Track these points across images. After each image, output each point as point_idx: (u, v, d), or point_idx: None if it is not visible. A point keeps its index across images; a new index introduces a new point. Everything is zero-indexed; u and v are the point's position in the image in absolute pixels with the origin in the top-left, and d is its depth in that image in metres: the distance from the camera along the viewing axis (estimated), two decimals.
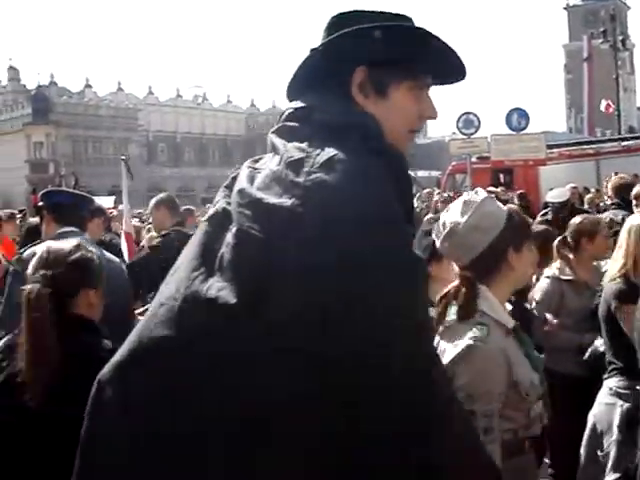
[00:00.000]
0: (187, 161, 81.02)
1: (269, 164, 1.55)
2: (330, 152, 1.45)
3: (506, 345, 2.39)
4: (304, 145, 1.50)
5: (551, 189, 9.91)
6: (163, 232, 6.58)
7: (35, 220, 6.07)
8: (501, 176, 17.42)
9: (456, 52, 1.65)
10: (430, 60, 1.64)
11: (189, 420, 1.38)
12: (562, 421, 3.17)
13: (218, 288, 1.39)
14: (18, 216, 9.66)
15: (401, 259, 1.40)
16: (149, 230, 9.16)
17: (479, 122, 17.09)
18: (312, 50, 1.64)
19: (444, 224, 2.48)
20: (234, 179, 1.63)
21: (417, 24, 1.66)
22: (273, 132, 1.64)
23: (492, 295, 2.43)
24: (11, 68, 76.77)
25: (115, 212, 12.74)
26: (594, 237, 4.81)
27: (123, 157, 11.36)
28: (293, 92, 1.73)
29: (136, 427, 1.44)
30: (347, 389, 1.31)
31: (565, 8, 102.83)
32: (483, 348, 2.32)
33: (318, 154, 1.45)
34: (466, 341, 2.33)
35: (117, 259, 4.78)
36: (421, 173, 39.51)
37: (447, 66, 1.69)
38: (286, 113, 1.67)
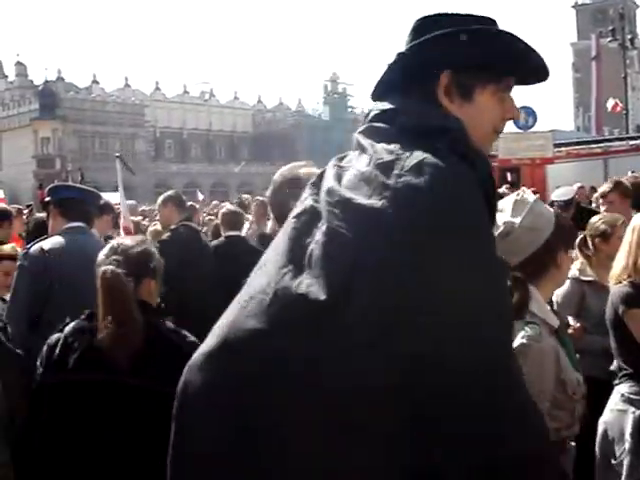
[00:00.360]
0: (194, 157, 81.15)
1: (356, 163, 1.58)
2: (419, 156, 1.47)
3: (555, 344, 2.40)
4: (392, 147, 1.53)
5: (558, 187, 9.88)
6: (172, 227, 6.62)
7: (42, 215, 6.08)
8: (508, 174, 17.36)
9: (539, 53, 1.68)
10: (513, 61, 1.67)
11: (275, 409, 1.43)
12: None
13: (308, 284, 1.43)
14: (25, 211, 9.67)
15: (487, 261, 1.44)
16: (154, 226, 9.23)
17: None
18: (399, 54, 1.67)
19: (496, 224, 2.46)
20: (321, 177, 1.67)
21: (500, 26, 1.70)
22: (360, 132, 1.67)
23: (539, 295, 2.44)
24: (18, 63, 76.95)
25: (121, 208, 12.78)
26: (609, 237, 4.71)
27: (118, 154, 11.60)
28: (378, 94, 1.76)
29: (224, 415, 1.49)
30: (428, 385, 1.35)
31: (573, 6, 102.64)
32: (537, 347, 2.34)
33: (407, 157, 1.48)
34: (520, 340, 2.34)
35: None
36: None
37: (530, 67, 1.72)
38: (372, 114, 1.70)
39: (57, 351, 2.63)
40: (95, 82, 77.67)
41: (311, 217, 1.56)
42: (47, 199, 4.98)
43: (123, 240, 2.88)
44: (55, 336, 2.72)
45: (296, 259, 1.49)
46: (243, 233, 11.08)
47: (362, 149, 1.61)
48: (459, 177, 1.46)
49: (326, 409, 1.38)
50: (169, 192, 7.52)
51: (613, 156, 17.64)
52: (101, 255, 2.77)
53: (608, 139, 22.78)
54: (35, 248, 4.47)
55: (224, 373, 1.50)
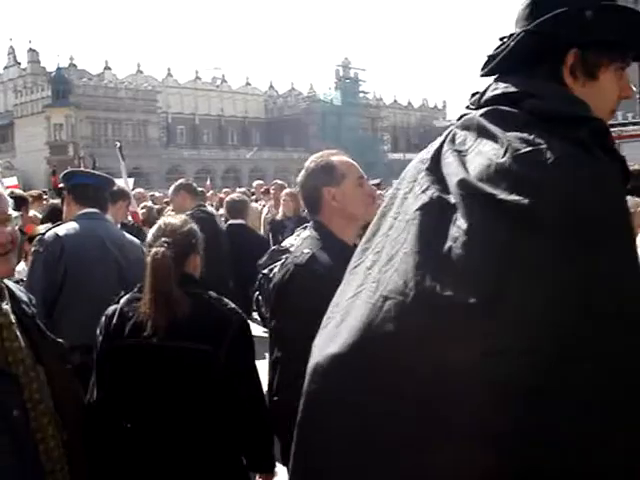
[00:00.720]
0: (206, 143, 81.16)
1: (482, 150, 1.49)
2: (561, 148, 1.39)
3: None
4: (526, 136, 1.43)
5: None
6: (188, 212, 6.66)
7: (57, 201, 6.11)
8: None
9: None
10: (638, 38, 1.60)
11: (405, 419, 1.38)
12: None
13: (452, 286, 1.35)
14: (45, 197, 9.66)
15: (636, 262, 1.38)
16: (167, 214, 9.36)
17: None
18: (523, 31, 1.60)
19: None
20: (435, 161, 1.57)
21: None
22: (482, 115, 1.56)
23: None
24: (31, 50, 77.05)
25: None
26: None
27: (117, 143, 11.87)
28: (493, 70, 1.67)
29: (352, 422, 1.44)
30: (587, 387, 1.30)
31: None
32: None
33: (547, 149, 1.39)
34: None
35: (138, 241, 4.80)
36: None
37: None
38: (491, 94, 1.61)
39: (114, 320, 2.98)
40: (107, 68, 77.75)
41: (440, 210, 1.46)
42: (61, 185, 4.99)
43: (170, 220, 3.18)
44: (112, 307, 3.05)
45: (432, 257, 1.40)
46: (262, 218, 11.12)
47: (486, 134, 1.51)
48: (605, 173, 1.40)
49: (467, 414, 1.32)
50: (181, 180, 7.61)
51: (627, 141, 17.51)
52: (150, 235, 3.12)
53: (622, 123, 22.62)
54: (50, 234, 4.47)
55: (358, 377, 1.44)
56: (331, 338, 1.52)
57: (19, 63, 78.73)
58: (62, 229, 4.50)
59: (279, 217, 9.24)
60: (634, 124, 20.75)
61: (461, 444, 1.31)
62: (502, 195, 1.36)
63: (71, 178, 4.90)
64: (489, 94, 1.61)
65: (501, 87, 1.60)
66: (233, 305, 3.03)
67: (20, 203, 6.84)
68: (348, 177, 2.97)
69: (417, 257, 1.42)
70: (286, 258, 2.99)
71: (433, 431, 1.34)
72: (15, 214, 2.34)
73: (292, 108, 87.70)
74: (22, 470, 2.11)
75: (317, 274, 2.69)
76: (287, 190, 9.51)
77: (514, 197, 1.35)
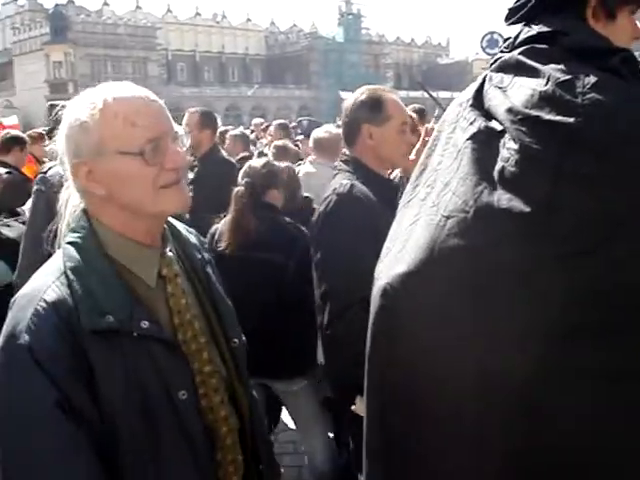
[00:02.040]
0: (207, 80, 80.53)
1: (524, 83, 1.60)
2: (597, 74, 1.51)
3: None
4: (564, 67, 1.55)
5: None
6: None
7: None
8: None
9: None
10: None
11: (482, 317, 1.50)
12: None
13: (508, 199, 1.47)
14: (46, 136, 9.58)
15: None
16: None
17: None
18: None
19: None
20: (476, 99, 1.69)
21: None
22: (520, 53, 1.68)
23: None
24: None
25: None
26: None
27: None
28: (519, 17, 1.78)
29: (421, 336, 1.57)
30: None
31: None
32: None
33: (586, 76, 1.51)
34: None
35: None
36: (443, 94, 38.99)
37: None
38: (525, 36, 1.72)
39: (216, 237, 3.83)
40: (106, 5, 76.78)
41: (488, 137, 1.58)
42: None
43: (253, 163, 4.02)
44: (214, 227, 3.90)
45: (487, 178, 1.53)
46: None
47: (525, 70, 1.63)
48: None
49: (538, 314, 1.44)
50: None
51: None
52: (240, 175, 3.97)
53: None
54: (53, 172, 4.44)
55: (432, 289, 1.57)
56: (396, 261, 1.64)
57: (16, 0, 77.60)
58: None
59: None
60: None
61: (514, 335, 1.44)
62: (548, 116, 1.48)
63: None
64: (523, 36, 1.72)
65: (535, 29, 1.71)
66: (303, 228, 3.68)
67: (13, 143, 6.78)
68: (392, 120, 2.96)
69: (473, 178, 1.55)
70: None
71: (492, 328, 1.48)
72: (181, 131, 1.90)
73: (294, 45, 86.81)
74: (191, 462, 1.64)
75: (360, 200, 2.72)
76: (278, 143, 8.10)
77: (560, 117, 1.47)
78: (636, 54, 1.64)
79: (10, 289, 4.51)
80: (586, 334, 1.42)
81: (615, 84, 1.50)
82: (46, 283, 1.54)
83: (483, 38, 16.99)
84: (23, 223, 4.84)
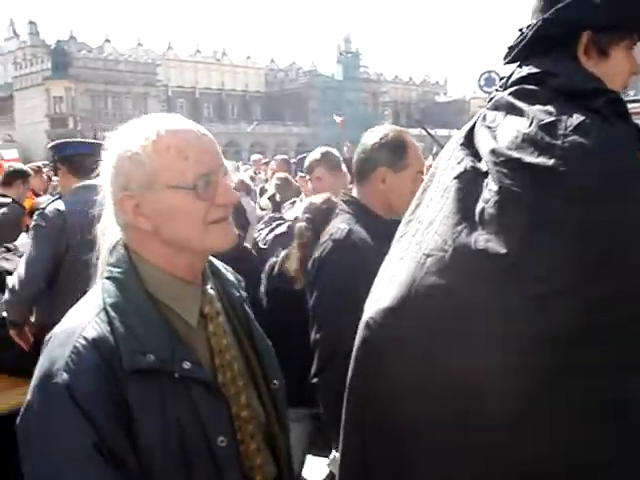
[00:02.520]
0: (206, 116, 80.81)
1: (511, 124, 1.64)
2: (580, 116, 1.55)
3: None
4: (549, 108, 1.60)
5: None
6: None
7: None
8: None
9: None
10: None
11: (459, 355, 1.52)
12: None
13: (486, 239, 1.51)
14: (45, 170, 9.54)
15: None
16: None
17: None
18: (541, 19, 1.75)
19: None
20: (467, 138, 1.74)
21: None
22: (510, 94, 1.73)
23: None
24: (30, 22, 76.61)
25: None
26: None
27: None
28: (514, 58, 1.83)
29: (411, 364, 1.59)
30: (616, 327, 1.44)
31: None
32: None
33: (568, 117, 1.56)
34: None
35: None
36: (441, 132, 39.25)
37: None
38: (516, 76, 1.76)
39: (275, 269, 3.83)
40: (107, 41, 77.32)
41: (473, 177, 1.62)
42: (55, 157, 4.87)
43: (313, 199, 3.87)
44: (273, 259, 3.96)
45: (467, 218, 1.57)
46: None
47: (514, 110, 1.67)
48: (622, 134, 1.56)
49: (512, 354, 1.45)
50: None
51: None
52: (301, 212, 3.82)
53: (634, 100, 22.41)
54: (51, 208, 4.43)
55: (409, 326, 1.60)
56: (381, 296, 1.68)
57: (18, 35, 78.31)
58: (60, 204, 4.45)
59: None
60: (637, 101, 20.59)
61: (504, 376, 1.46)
62: (528, 158, 1.53)
63: (64, 148, 4.78)
64: (515, 76, 1.77)
65: (525, 69, 1.76)
66: None
67: (17, 176, 6.80)
68: (410, 168, 2.84)
69: (455, 217, 1.59)
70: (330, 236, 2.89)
71: (486, 362, 1.49)
72: (230, 167, 1.76)
73: (293, 82, 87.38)
74: None
75: (356, 248, 2.66)
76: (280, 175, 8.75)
77: (539, 159, 1.51)
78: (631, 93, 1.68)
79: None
80: (560, 374, 1.43)
81: (597, 127, 1.52)
82: (85, 319, 1.49)
83: (481, 77, 17.12)
84: (20, 257, 4.83)
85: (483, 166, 1.62)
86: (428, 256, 1.60)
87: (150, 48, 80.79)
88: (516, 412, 1.45)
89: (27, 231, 5.66)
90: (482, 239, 1.52)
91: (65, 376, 1.39)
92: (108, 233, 1.68)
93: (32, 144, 58.05)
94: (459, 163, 1.69)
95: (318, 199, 3.62)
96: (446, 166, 1.74)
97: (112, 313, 1.48)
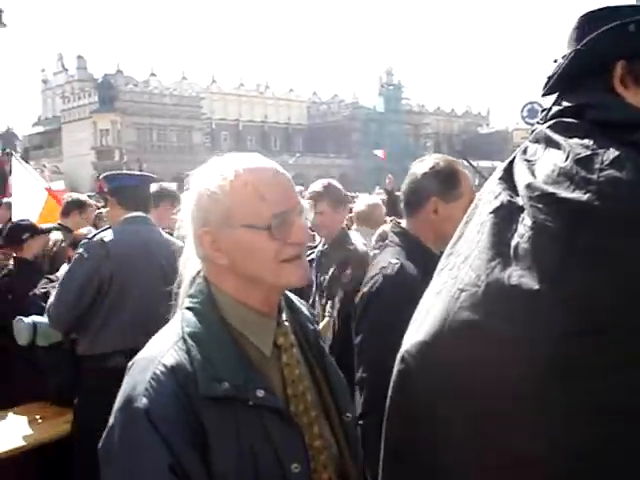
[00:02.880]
0: (249, 149, 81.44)
1: (548, 158, 1.63)
2: (617, 150, 1.53)
3: None
4: (586, 142, 1.58)
5: None
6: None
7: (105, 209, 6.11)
8: None
9: None
10: None
11: (494, 390, 1.50)
12: None
13: (519, 275, 1.49)
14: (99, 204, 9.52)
15: None
16: None
17: None
18: (575, 50, 1.74)
19: None
20: (507, 172, 1.73)
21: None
22: (548, 127, 1.71)
23: None
24: (79, 57, 78.34)
25: None
26: None
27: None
28: (551, 89, 1.82)
29: (445, 398, 1.59)
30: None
31: None
32: None
33: (605, 151, 1.53)
34: None
35: (179, 242, 4.75)
36: (483, 163, 39.03)
37: None
38: (555, 109, 1.76)
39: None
40: (153, 75, 78.65)
41: (509, 212, 1.61)
42: (104, 189, 4.97)
43: (386, 228, 4.04)
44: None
45: (502, 253, 1.56)
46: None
47: (552, 143, 1.66)
48: None
49: (538, 388, 1.44)
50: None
51: None
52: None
53: None
54: (96, 239, 4.49)
55: (443, 360, 1.59)
56: (417, 330, 1.68)
57: (67, 69, 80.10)
58: (107, 235, 4.50)
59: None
60: None
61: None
62: (564, 193, 1.50)
63: (112, 180, 4.87)
64: (554, 110, 1.76)
65: (563, 102, 1.75)
66: None
67: (74, 206, 6.90)
68: (463, 198, 2.78)
69: (489, 253, 1.58)
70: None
71: (509, 405, 1.48)
72: (306, 205, 1.76)
73: (335, 115, 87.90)
74: None
75: (406, 285, 2.56)
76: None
77: (574, 194, 1.49)
78: None
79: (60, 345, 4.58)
80: (593, 411, 1.41)
81: (633, 161, 1.49)
82: (165, 347, 1.55)
83: (523, 108, 17.08)
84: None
85: (520, 201, 1.61)
86: (462, 291, 1.60)
87: (194, 81, 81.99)
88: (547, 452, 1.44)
89: (69, 262, 5.73)
90: (516, 274, 1.50)
91: (144, 401, 1.46)
92: (189, 265, 1.75)
93: (79, 176, 59.10)
94: (496, 197, 1.68)
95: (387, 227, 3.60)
96: (485, 199, 1.74)
97: (190, 342, 1.54)
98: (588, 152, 1.54)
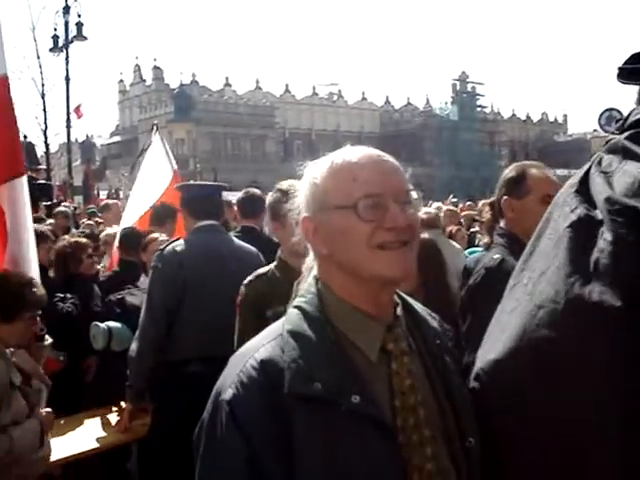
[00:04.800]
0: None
1: (627, 169, 1.58)
2: None
3: None
4: None
5: None
6: None
7: None
8: None
9: None
10: None
11: (575, 408, 1.47)
12: None
13: (600, 292, 1.44)
14: None
15: None
16: None
17: None
18: None
19: None
20: (582, 183, 1.67)
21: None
22: (626, 138, 1.66)
23: None
24: (155, 68, 79.92)
25: None
26: None
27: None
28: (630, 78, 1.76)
29: (513, 419, 1.57)
30: None
31: None
32: None
33: None
34: None
35: (256, 251, 4.77)
36: (559, 171, 38.30)
37: None
38: (633, 118, 1.69)
39: None
40: (227, 85, 79.69)
41: (588, 226, 1.56)
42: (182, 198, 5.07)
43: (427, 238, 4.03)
44: None
45: (581, 268, 1.51)
46: None
47: (630, 155, 1.60)
48: None
49: (618, 409, 1.41)
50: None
51: None
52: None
53: None
54: (169, 250, 4.57)
55: (518, 377, 1.57)
56: (492, 347, 1.66)
57: (144, 80, 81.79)
58: (180, 245, 4.58)
59: None
60: None
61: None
62: None
63: (185, 192, 4.97)
64: (632, 119, 1.69)
65: None
66: None
67: (166, 215, 6.97)
68: (533, 193, 3.06)
69: (567, 269, 1.53)
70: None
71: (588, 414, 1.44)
72: (416, 195, 1.65)
73: (408, 123, 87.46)
74: None
75: (507, 277, 2.71)
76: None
77: None
78: None
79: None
80: None
81: None
82: (261, 343, 1.54)
83: (601, 115, 16.69)
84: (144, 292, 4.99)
85: (598, 214, 1.55)
86: (540, 307, 1.55)
87: (268, 90, 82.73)
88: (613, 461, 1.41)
89: (143, 267, 5.83)
90: (597, 291, 1.45)
91: (230, 393, 1.47)
92: (311, 266, 1.73)
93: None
94: (572, 211, 1.62)
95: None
96: (560, 213, 1.68)
97: (287, 338, 1.51)
98: None
